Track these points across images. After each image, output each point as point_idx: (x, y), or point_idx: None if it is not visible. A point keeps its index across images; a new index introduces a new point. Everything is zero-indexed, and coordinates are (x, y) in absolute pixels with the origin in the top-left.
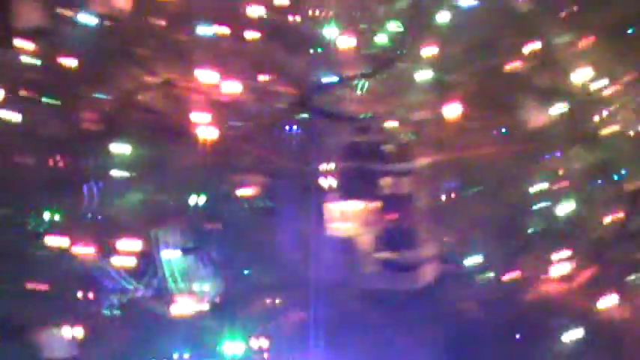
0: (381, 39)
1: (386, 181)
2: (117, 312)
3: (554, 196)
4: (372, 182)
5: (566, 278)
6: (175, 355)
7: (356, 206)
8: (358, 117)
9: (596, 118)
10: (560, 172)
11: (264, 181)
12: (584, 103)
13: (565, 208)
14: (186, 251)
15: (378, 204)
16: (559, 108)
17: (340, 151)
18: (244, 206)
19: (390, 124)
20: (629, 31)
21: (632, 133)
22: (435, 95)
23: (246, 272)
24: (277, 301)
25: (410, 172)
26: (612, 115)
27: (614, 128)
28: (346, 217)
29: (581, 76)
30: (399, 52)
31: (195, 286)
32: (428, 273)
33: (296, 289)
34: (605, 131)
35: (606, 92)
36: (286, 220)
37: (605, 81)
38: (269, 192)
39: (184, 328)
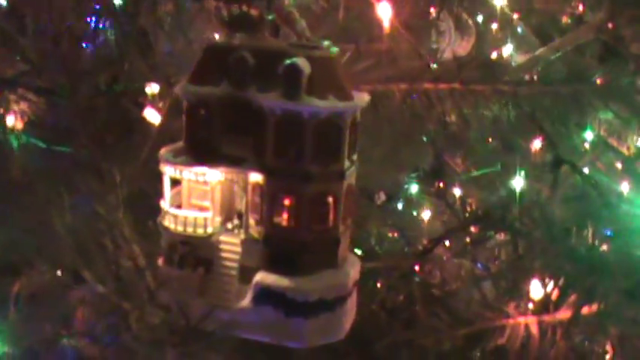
0: None
1: (282, 131)
2: None
3: None
4: (251, 130)
5: None
6: None
7: (211, 175)
8: None
9: None
10: None
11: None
12: None
13: None
14: None
15: (259, 174)
16: None
17: (185, 64)
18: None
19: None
20: None
21: None
22: None
23: None
24: None
25: (339, 115)
26: None
27: None
28: (191, 193)
29: None
30: None
31: None
32: (348, 315)
33: None
34: None
35: None
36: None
37: None
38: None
39: None
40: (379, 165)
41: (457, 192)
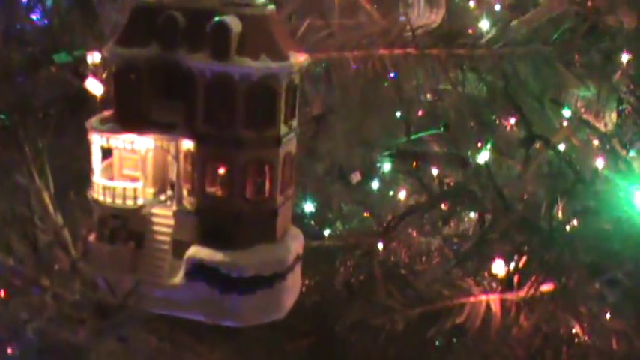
0: None
1: (213, 95)
2: None
3: None
4: (181, 94)
5: None
6: None
7: (141, 142)
8: None
9: None
10: None
11: None
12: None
13: None
14: None
15: (190, 141)
16: None
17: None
18: None
19: None
20: None
21: None
22: None
23: None
24: None
25: (269, 77)
26: None
27: None
28: (122, 164)
29: None
30: None
31: None
32: (289, 292)
33: None
34: None
35: None
36: None
37: None
38: None
39: None
40: (344, 140)
41: (434, 171)
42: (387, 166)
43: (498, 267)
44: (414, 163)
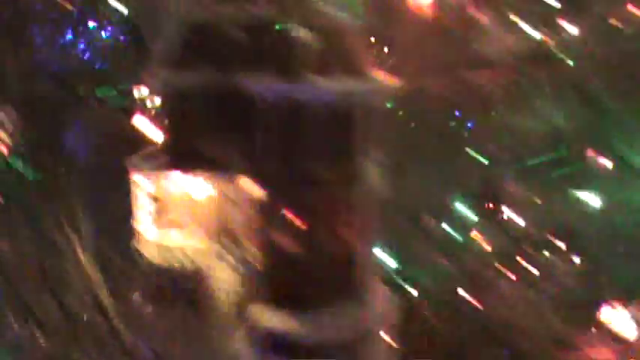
0: None
1: (278, 123)
2: None
3: None
4: (240, 125)
5: None
6: None
7: (194, 183)
8: None
9: None
10: None
11: None
12: None
13: None
14: None
15: (252, 181)
16: None
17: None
18: None
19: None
20: None
21: None
22: None
23: None
24: None
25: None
26: None
27: None
28: (171, 209)
29: None
30: None
31: None
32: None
33: None
34: None
35: None
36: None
37: None
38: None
39: None
40: (420, 181)
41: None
42: (465, 210)
43: (610, 314)
44: (493, 206)
